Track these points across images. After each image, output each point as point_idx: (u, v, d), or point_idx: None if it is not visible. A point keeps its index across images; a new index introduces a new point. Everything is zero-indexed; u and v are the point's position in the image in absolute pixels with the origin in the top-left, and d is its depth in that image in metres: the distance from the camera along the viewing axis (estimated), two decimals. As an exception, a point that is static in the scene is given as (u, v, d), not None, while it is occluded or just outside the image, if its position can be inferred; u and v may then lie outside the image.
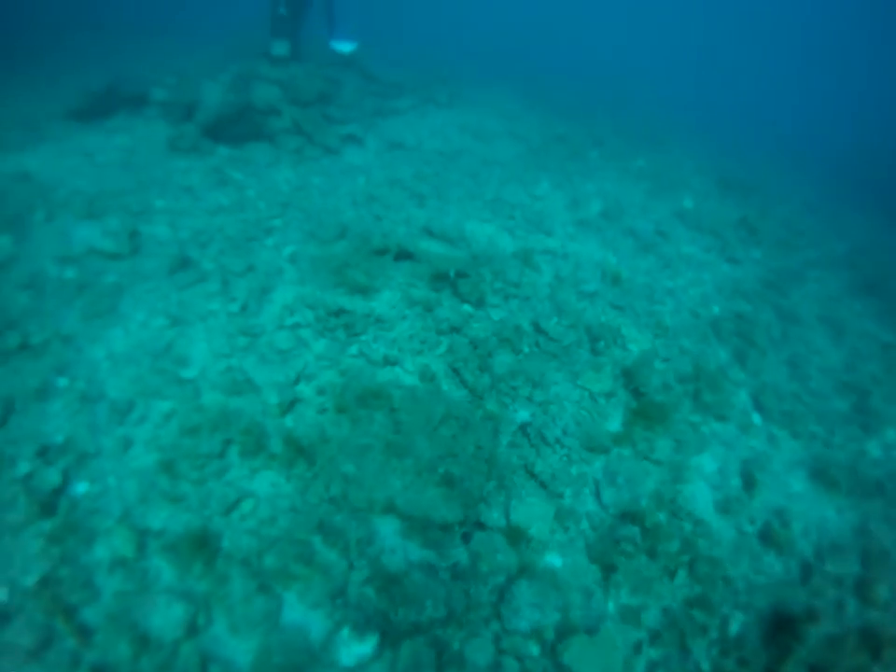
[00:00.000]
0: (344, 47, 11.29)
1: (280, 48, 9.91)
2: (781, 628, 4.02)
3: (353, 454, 3.82)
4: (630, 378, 5.11)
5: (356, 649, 3.26)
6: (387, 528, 3.78)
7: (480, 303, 5.38)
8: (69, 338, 4.62)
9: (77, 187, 6.38)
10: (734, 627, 4.02)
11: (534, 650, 3.53)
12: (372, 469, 3.78)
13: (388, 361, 4.64)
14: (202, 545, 3.48)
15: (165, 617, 3.23)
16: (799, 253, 9.00)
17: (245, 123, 7.79)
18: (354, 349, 4.75)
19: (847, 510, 5.09)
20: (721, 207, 9.64)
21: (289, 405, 4.23)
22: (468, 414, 4.25)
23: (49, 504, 3.61)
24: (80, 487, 3.78)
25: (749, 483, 4.91)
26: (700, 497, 4.72)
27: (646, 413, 4.86)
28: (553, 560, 3.99)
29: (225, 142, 7.72)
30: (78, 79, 8.94)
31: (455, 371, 4.63)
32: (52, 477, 3.75)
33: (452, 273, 5.36)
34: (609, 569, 4.03)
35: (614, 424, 4.83)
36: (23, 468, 3.78)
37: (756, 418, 5.50)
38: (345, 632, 3.30)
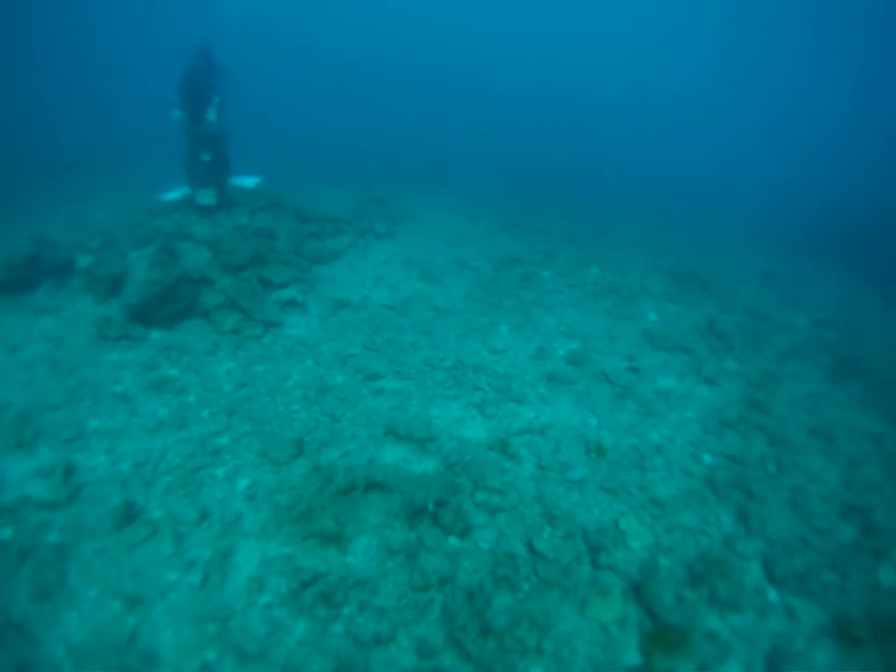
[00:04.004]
0: (248, 182, 11.28)
1: (207, 197, 9.80)
2: None
3: None
4: (639, 593, 4.79)
5: None
6: None
7: (466, 532, 4.99)
8: (21, 626, 4.13)
9: (4, 399, 6.09)
10: None
11: None
12: None
13: (380, 640, 4.22)
14: None
15: None
16: (770, 346, 8.91)
17: (176, 301, 7.45)
18: (339, 628, 4.28)
19: (872, 665, 4.78)
20: (684, 311, 9.55)
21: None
22: (479, 711, 3.86)
23: None
24: None
25: (775, 679, 4.59)
26: (728, 717, 4.39)
27: (663, 638, 4.51)
28: None
29: (157, 324, 7.42)
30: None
31: (457, 642, 4.25)
32: None
33: (430, 506, 5.00)
34: None
35: (633, 656, 4.46)
36: None
37: (771, 594, 5.20)
38: None
